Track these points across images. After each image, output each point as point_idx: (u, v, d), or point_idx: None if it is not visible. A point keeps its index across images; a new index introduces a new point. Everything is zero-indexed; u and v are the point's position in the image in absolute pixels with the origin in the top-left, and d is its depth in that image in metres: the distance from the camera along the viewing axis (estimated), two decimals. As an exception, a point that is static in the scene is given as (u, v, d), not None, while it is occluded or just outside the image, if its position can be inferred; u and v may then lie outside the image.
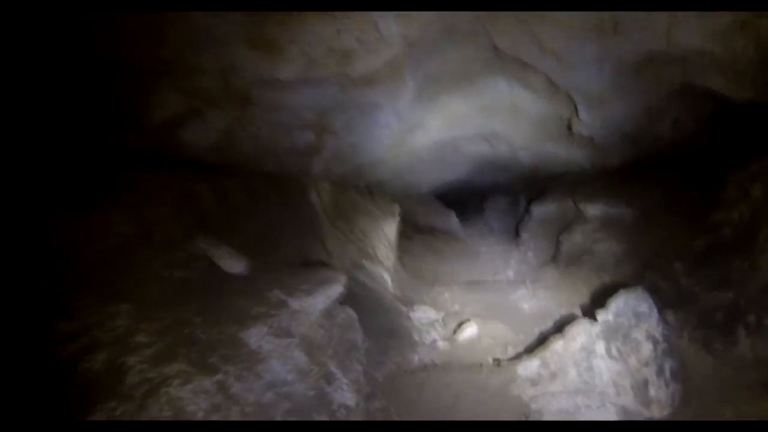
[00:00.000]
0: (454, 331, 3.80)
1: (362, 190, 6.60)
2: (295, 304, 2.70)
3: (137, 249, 2.99)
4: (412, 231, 7.57)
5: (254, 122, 3.81)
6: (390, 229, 5.36)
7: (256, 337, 2.41)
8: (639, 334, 3.18)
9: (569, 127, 5.99)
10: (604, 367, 2.97)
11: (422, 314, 4.11)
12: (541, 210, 7.51)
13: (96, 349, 1.95)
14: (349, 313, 3.08)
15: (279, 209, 3.95)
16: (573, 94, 5.01)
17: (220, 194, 3.84)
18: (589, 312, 3.91)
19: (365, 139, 4.91)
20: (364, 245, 4.72)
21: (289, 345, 2.48)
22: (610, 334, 3.22)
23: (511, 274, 5.73)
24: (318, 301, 2.79)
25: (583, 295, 4.39)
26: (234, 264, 3.04)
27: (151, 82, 2.96)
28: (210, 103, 3.40)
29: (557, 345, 3.23)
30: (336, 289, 2.93)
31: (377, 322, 3.62)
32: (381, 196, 7.00)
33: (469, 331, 3.75)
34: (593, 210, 6.45)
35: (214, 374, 2.06)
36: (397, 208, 6.11)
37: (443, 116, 5.31)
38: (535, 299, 4.57)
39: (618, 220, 6.04)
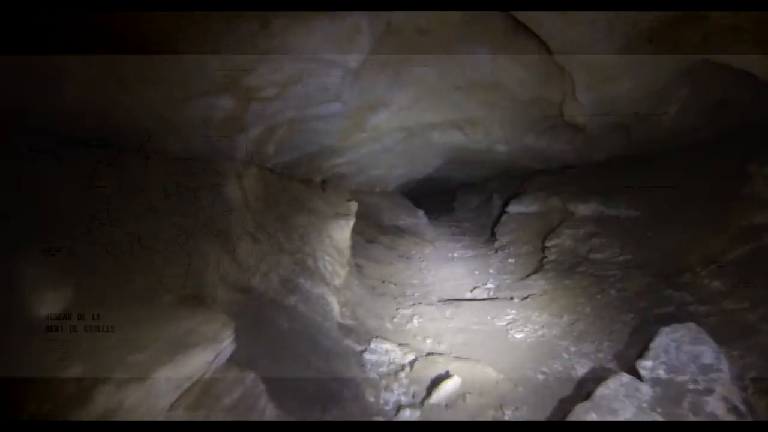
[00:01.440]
0: (428, 390, 2.40)
1: (314, 184, 5.17)
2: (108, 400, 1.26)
3: None
4: (375, 232, 6.22)
5: (130, 76, 2.36)
6: (341, 233, 3.87)
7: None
8: (716, 404, 1.90)
9: (560, 114, 4.82)
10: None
11: (381, 355, 2.71)
12: (521, 209, 6.30)
13: None
14: (250, 384, 1.67)
15: (166, 205, 2.46)
16: (572, 69, 3.82)
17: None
18: (620, 354, 2.63)
19: (311, 114, 3.49)
20: (304, 255, 3.26)
21: None
22: (669, 402, 1.94)
23: (491, 286, 4.42)
24: (159, 389, 1.36)
25: (592, 321, 3.11)
26: (42, 300, 1.62)
27: None
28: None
29: (588, 419, 1.92)
30: (207, 358, 1.50)
31: (309, 376, 2.22)
32: (338, 192, 5.58)
33: (449, 388, 2.36)
34: (585, 210, 5.29)
35: None
36: (354, 206, 4.67)
37: (412, 92, 3.96)
38: (529, 325, 3.26)
39: (617, 222, 4.86)
